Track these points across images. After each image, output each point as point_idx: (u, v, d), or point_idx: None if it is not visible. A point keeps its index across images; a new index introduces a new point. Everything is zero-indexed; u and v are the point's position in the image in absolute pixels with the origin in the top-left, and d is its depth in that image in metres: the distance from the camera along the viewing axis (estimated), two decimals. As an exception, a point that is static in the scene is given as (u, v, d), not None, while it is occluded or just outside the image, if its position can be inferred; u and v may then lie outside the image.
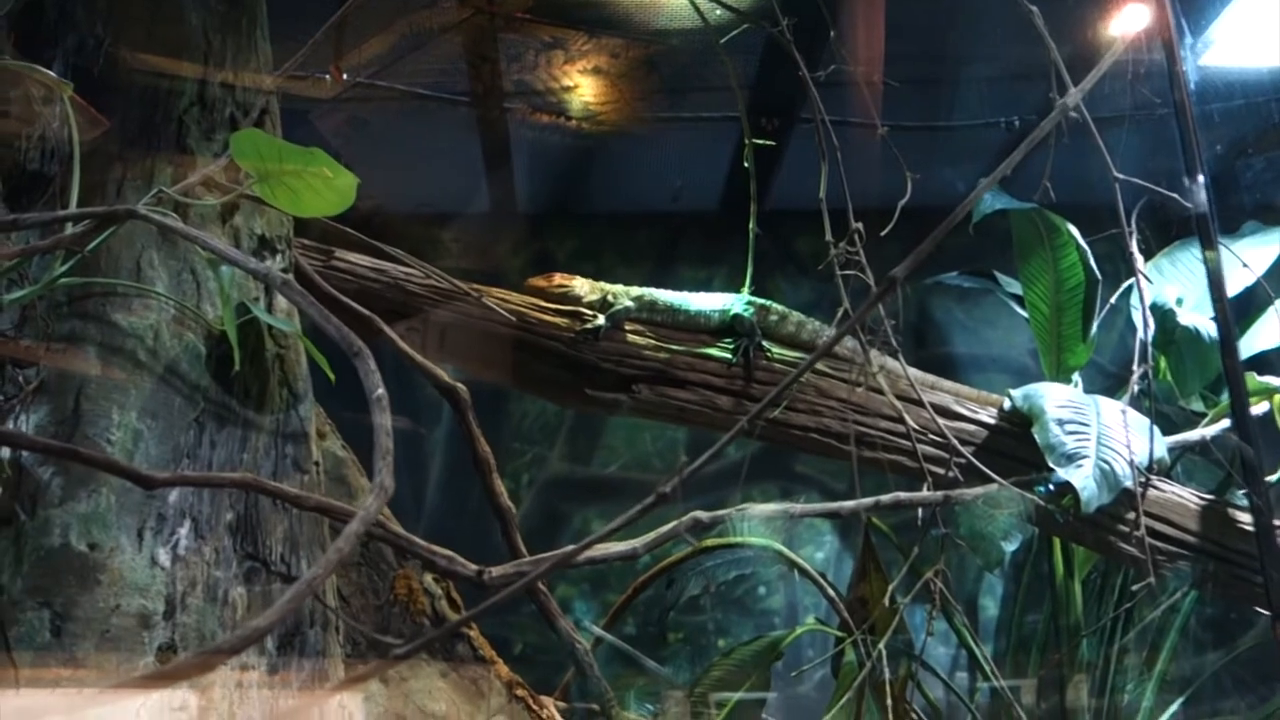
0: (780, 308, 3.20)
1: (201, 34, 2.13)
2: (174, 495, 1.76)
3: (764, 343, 3.08)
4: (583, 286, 3.09)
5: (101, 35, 2.07)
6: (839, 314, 2.71)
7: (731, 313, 3.11)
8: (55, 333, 1.83)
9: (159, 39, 2.10)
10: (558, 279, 3.10)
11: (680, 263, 4.57)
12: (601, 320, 3.00)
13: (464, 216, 4.55)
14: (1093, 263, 3.34)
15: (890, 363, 3.00)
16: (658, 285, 3.21)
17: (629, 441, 4.47)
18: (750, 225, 3.15)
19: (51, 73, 1.95)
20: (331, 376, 2.02)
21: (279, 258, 2.15)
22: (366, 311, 2.32)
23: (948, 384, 3.20)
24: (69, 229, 1.83)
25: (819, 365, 3.06)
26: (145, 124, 2.04)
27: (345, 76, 3.57)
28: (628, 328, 3.06)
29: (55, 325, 1.83)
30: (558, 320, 3.01)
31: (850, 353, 3.08)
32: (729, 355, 3.06)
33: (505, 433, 4.44)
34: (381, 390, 1.56)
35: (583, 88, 3.90)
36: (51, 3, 2.10)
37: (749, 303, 3.14)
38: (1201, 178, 2.66)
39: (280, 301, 2.10)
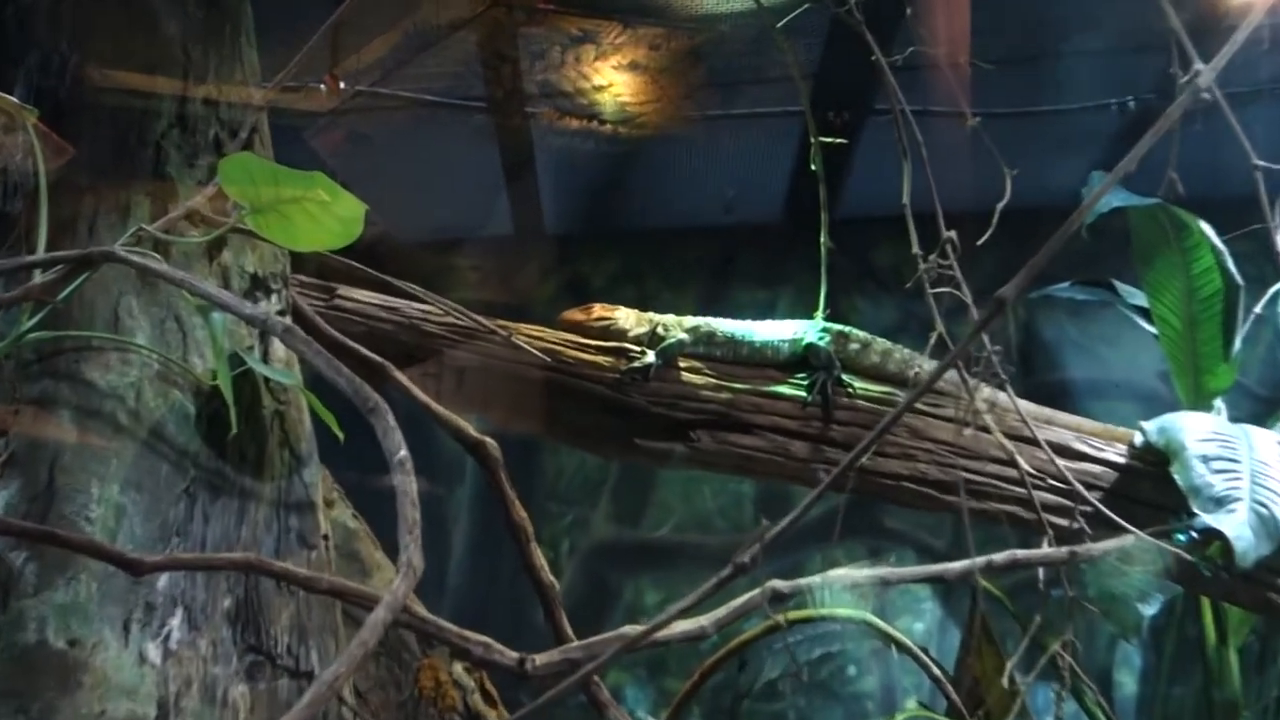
0: (861, 334, 3.18)
1: (179, 45, 2.17)
2: (164, 580, 1.77)
3: (844, 376, 3.07)
4: (627, 319, 3.11)
5: (67, 52, 2.12)
6: (931, 339, 2.69)
7: (804, 342, 3.10)
8: (24, 395, 1.85)
9: (131, 53, 2.14)
10: (597, 310, 3.12)
11: (738, 285, 4.59)
12: (651, 357, 3.00)
13: (484, 241, 4.59)
14: (1232, 266, 3.29)
15: (997, 396, 2.95)
16: (714, 313, 3.20)
17: (686, 498, 4.49)
18: (821, 237, 3.15)
19: (12, 98, 1.99)
20: (340, 434, 2.03)
21: (275, 299, 2.18)
22: (377, 357, 2.35)
23: (1066, 417, 3.17)
24: (37, 276, 1.87)
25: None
26: (118, 150, 2.08)
27: (344, 86, 3.63)
28: (681, 365, 3.06)
29: (24, 387, 1.86)
30: (599, 359, 3.02)
31: (947, 384, 3.06)
32: (803, 393, 3.06)
33: (540, 492, 4.46)
34: (404, 452, 1.57)
35: (617, 86, 3.93)
36: (10, 16, 2.15)
37: (824, 330, 3.13)
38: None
39: (278, 350, 2.12)
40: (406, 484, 1.51)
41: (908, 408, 1.68)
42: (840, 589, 3.08)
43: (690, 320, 3.14)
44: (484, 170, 4.35)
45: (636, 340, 3.08)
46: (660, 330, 3.08)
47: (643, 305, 3.26)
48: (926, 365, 3.17)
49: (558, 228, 4.67)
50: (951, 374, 2.97)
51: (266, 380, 2.05)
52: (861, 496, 3.19)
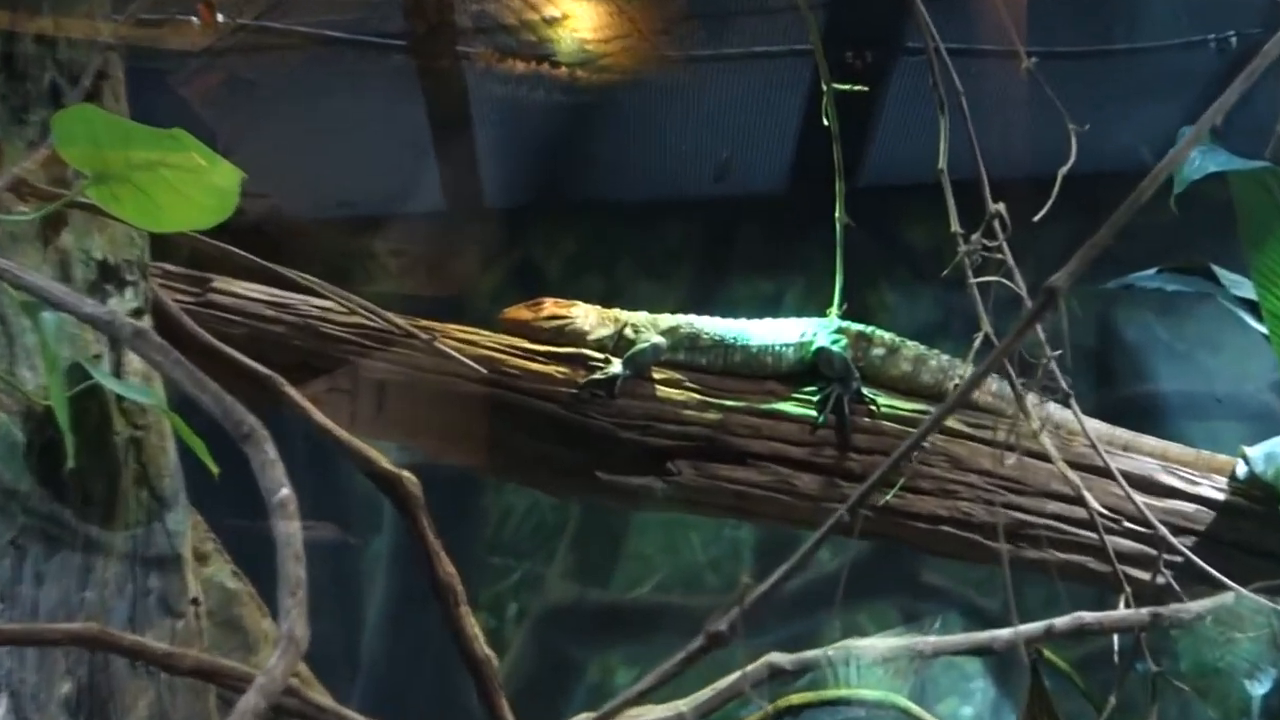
0: (887, 336, 3.20)
1: (3, -35, 2.16)
2: (-18, 659, 1.76)
3: (865, 390, 3.09)
4: (587, 317, 3.12)
5: None
6: (976, 341, 2.70)
7: (814, 347, 3.12)
8: None
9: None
10: (549, 307, 3.12)
11: (732, 274, 4.58)
12: (617, 367, 3.01)
13: (406, 219, 4.57)
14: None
15: (1059, 413, 2.97)
16: (700, 310, 3.22)
17: (667, 549, 4.47)
18: (836, 212, 3.15)
19: None
20: (214, 469, 2.02)
21: (130, 293, 2.17)
22: (262, 368, 2.33)
23: (1149, 442, 3.20)
24: None
25: (951, 422, 3.04)
26: (-76, 103, 2.08)
27: (221, 18, 3.61)
28: (656, 375, 3.07)
29: None
30: (550, 369, 3.03)
31: (997, 401, 3.10)
32: (813, 412, 3.07)
33: (480, 541, 4.43)
34: (286, 491, 1.56)
35: (575, 19, 3.92)
36: None
37: (839, 330, 3.14)
38: None
39: (135, 360, 2.11)
40: (289, 531, 1.50)
41: (935, 426, 1.69)
42: (865, 663, 3.08)
43: (668, 319, 3.15)
44: (405, 127, 4.34)
45: (599, 345, 3.08)
46: (630, 332, 3.09)
47: (609, 300, 3.27)
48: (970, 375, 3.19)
49: (501, 200, 4.67)
50: (1005, 388, 3.01)
51: (119, 399, 2.03)
52: (889, 545, 3.19)
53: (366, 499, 4.31)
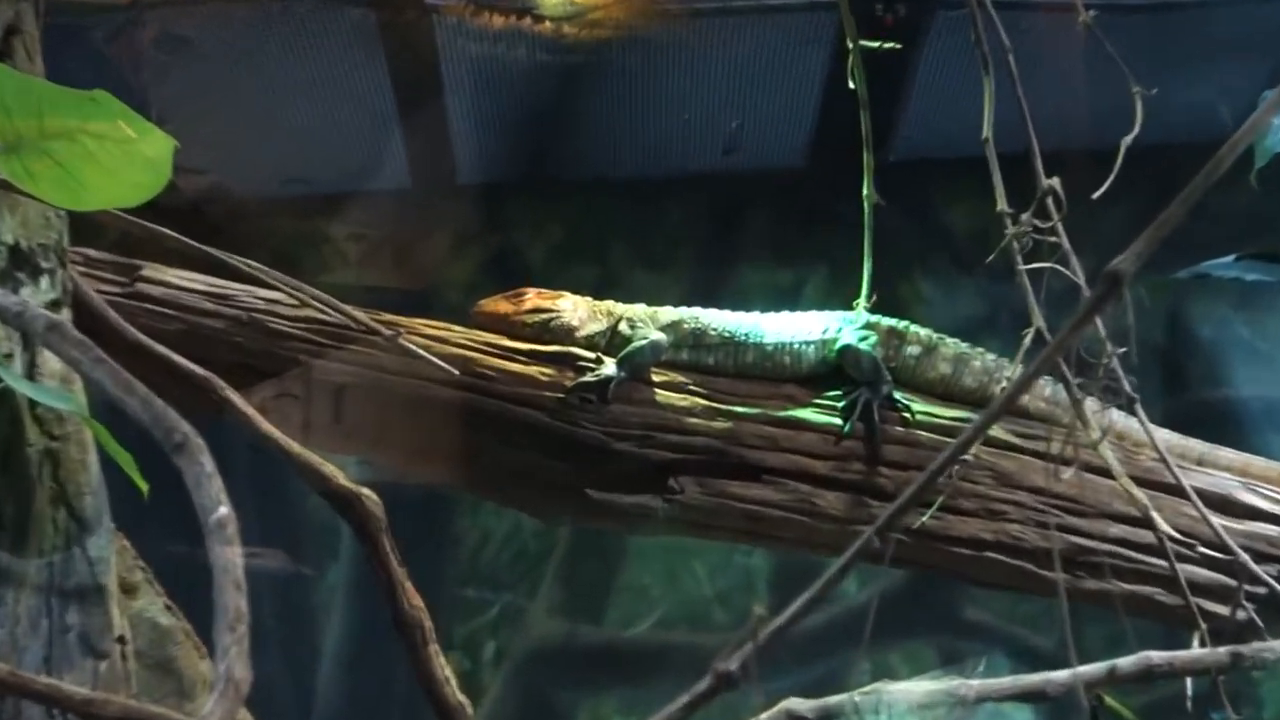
0: (924, 332, 3.22)
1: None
2: (-127, 706, 1.76)
3: (897, 395, 3.12)
4: (576, 311, 3.15)
5: None
6: (1026, 338, 2.70)
7: (839, 345, 3.14)
8: None
9: None
10: (532, 299, 3.15)
11: (746, 261, 4.58)
12: (610, 368, 3.04)
13: (367, 198, 4.58)
14: None
15: (1123, 422, 2.97)
16: (708, 302, 3.25)
17: (669, 578, 4.49)
18: (864, 189, 3.15)
19: None
20: (143, 486, 2.01)
21: (46, 282, 2.16)
22: (199, 369, 2.33)
23: (1228, 455, 3.20)
24: None
25: (998, 432, 3.05)
26: None
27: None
28: (656, 378, 3.10)
29: None
30: (534, 370, 3.05)
31: (1052, 407, 3.11)
32: (837, 420, 3.10)
33: (453, 570, 4.43)
34: (225, 510, 1.55)
35: (562, -35, 3.93)
36: None
37: (868, 326, 3.17)
38: None
39: (52, 360, 2.10)
40: (229, 557, 1.49)
41: (978, 436, 1.68)
42: (899, 711, 3.08)
43: (670, 313, 3.18)
44: (366, 92, 4.34)
45: (589, 343, 3.12)
46: (625, 328, 3.13)
47: (602, 291, 3.29)
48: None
49: (477, 177, 4.69)
50: (1061, 392, 3.01)
51: (33, 405, 2.03)
52: (927, 574, 3.20)
53: (321, 521, 4.32)
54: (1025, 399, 3.16)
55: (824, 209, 4.26)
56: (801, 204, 4.55)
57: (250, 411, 2.40)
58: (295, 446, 2.43)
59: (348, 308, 2.88)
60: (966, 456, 2.91)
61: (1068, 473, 2.56)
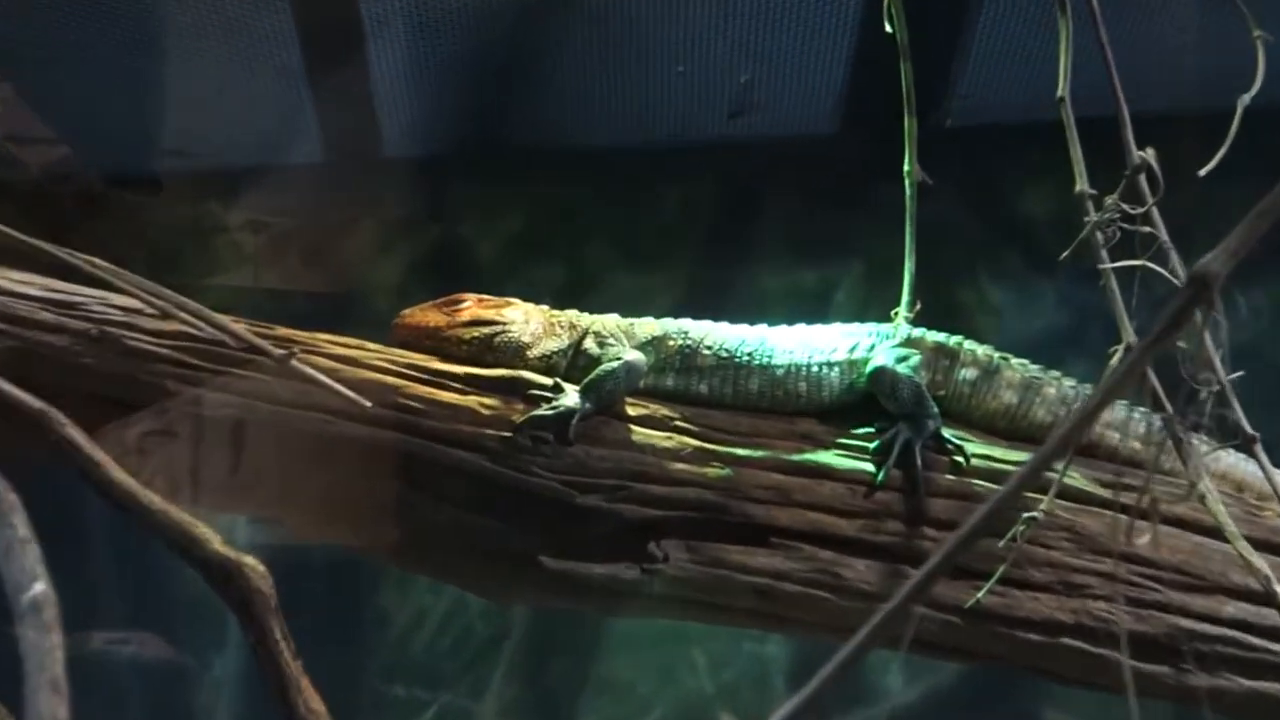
0: (983, 350, 3.24)
1: None
2: None
3: (947, 433, 3.12)
4: (529, 323, 3.17)
5: None
6: (1113, 357, 2.69)
7: (871, 367, 3.15)
8: None
9: None
10: (472, 308, 3.17)
11: (757, 257, 4.56)
12: (573, 398, 3.04)
13: (268, 175, 4.56)
14: None
15: (1242, 467, 3.02)
16: (703, 313, 3.26)
17: (660, 672, 4.46)
18: (906, 163, 3.19)
19: None
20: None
21: None
22: (32, 400, 2.32)
23: (1377, 508, 3.17)
24: None
25: (1079, 481, 3.07)
26: None
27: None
28: (632, 410, 3.10)
29: None
30: (473, 401, 3.05)
31: (1146, 449, 3.10)
32: (869, 466, 3.10)
33: (375, 660, 4.41)
34: (42, 587, 1.54)
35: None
36: None
37: (909, 342, 3.20)
38: None
39: None
40: (45, 647, 1.47)
41: (1029, 478, 1.65)
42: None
43: (650, 325, 3.20)
44: (267, 39, 4.33)
45: (546, 365, 3.15)
46: (592, 345, 3.15)
47: (571, 297, 3.31)
48: (1110, 408, 3.17)
49: (410, 149, 4.70)
50: (1145, 419, 3.00)
51: None
52: (991, 666, 3.19)
53: (207, 598, 4.29)
54: (1114, 438, 3.14)
55: (859, 190, 4.25)
56: (830, 184, 4.53)
57: (97, 455, 2.39)
58: (155, 500, 2.42)
59: (224, 319, 2.86)
60: (1036, 513, 2.89)
61: (1145, 535, 2.54)
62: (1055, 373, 3.25)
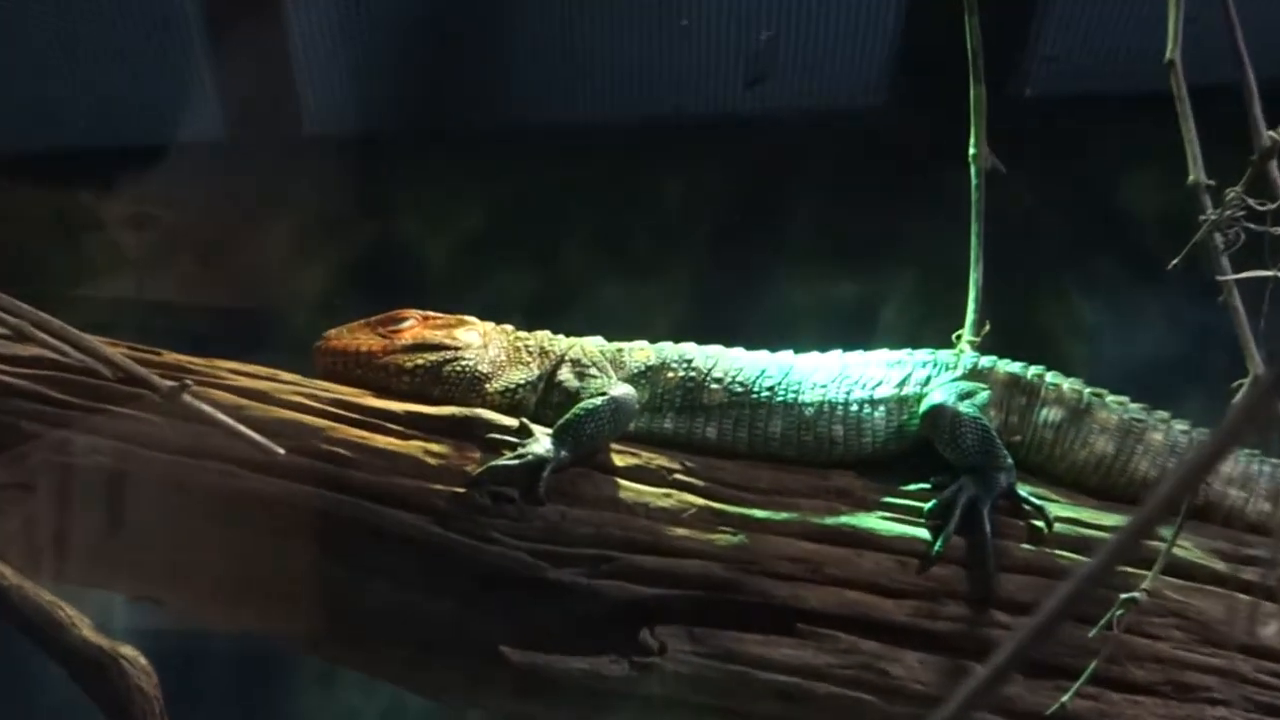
0: (1070, 384, 3.25)
1: None
2: None
3: (1023, 491, 3.11)
4: (488, 347, 3.18)
5: None
6: (1239, 392, 2.71)
7: (925, 405, 3.15)
8: None
9: None
10: (415, 328, 3.19)
11: (783, 264, 4.56)
12: (542, 444, 3.03)
13: (159, 158, 4.57)
14: None
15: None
16: (713, 335, 3.28)
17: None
18: (972, 144, 3.21)
19: None
20: None
21: None
22: None
23: None
24: None
25: (1192, 554, 3.07)
26: None
27: None
28: (620, 460, 3.10)
29: None
30: (417, 448, 3.05)
31: (1274, 509, 3.10)
32: (923, 532, 3.09)
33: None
34: None
35: None
36: None
37: (975, 374, 3.20)
38: None
39: None
40: None
41: (1124, 550, 1.65)
42: None
43: (645, 352, 3.21)
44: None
45: (509, 400, 3.16)
46: (569, 376, 3.15)
47: (545, 312, 3.27)
48: (1232, 461, 3.18)
49: (341, 125, 4.70)
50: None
51: None
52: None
53: (74, 703, 4.31)
54: (1236, 497, 3.15)
55: (912, 178, 4.26)
56: (876, 170, 4.54)
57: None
58: (6, 574, 2.44)
59: (96, 342, 2.87)
60: (1137, 594, 2.90)
61: (1275, 623, 2.56)
62: (1162, 413, 3.24)
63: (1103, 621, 2.87)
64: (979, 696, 1.55)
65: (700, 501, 3.08)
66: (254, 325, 3.60)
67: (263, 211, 4.67)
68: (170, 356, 3.01)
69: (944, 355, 3.22)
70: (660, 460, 3.12)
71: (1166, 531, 2.92)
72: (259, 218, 4.67)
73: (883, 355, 3.23)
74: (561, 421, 3.05)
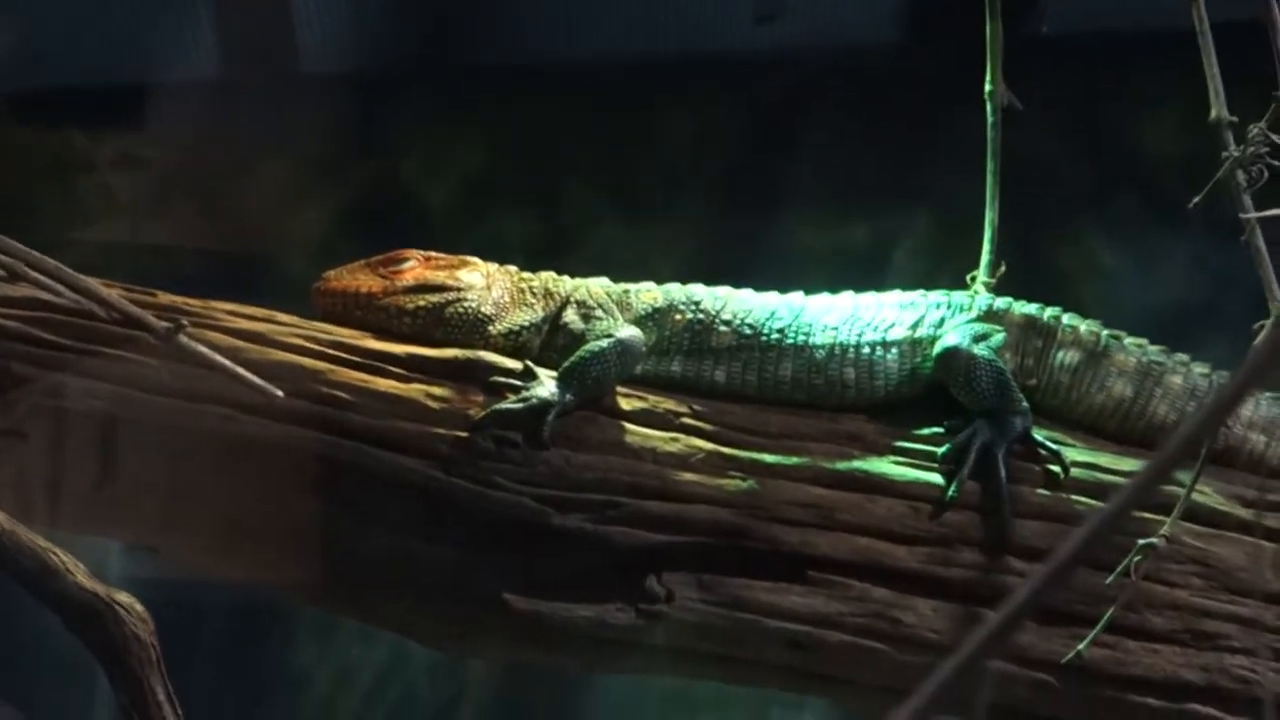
0: (1088, 326, 3.24)
1: None
2: None
3: (1039, 435, 3.11)
4: (491, 289, 3.17)
5: None
6: (1259, 335, 2.69)
7: (939, 347, 3.14)
8: None
9: None
10: (417, 269, 3.17)
11: (793, 206, 4.55)
12: (549, 386, 3.02)
13: (151, 97, 4.55)
14: None
15: None
16: (720, 276, 3.26)
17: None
18: (988, 82, 3.19)
19: None
20: None
21: None
22: None
23: None
24: None
25: (1211, 500, 3.06)
26: None
27: None
28: (626, 404, 3.10)
29: None
30: (418, 391, 3.04)
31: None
32: (936, 477, 3.10)
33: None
34: None
35: None
36: None
37: (990, 316, 3.19)
38: None
39: None
40: None
41: (1139, 496, 1.64)
42: None
43: (653, 294, 3.21)
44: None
45: (512, 342, 3.15)
46: (574, 318, 3.15)
47: (547, 255, 3.34)
48: (1254, 404, 3.17)
49: (337, 64, 4.69)
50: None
51: None
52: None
53: (69, 652, 4.30)
54: (1258, 441, 3.15)
55: (927, 118, 4.24)
56: (889, 109, 4.52)
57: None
58: (1, 520, 2.42)
59: (91, 282, 2.85)
60: (1155, 540, 2.89)
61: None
62: (1182, 356, 3.23)
63: (1120, 568, 2.87)
64: (991, 644, 1.53)
65: (709, 446, 3.08)
66: (250, 269, 3.59)
67: (259, 152, 4.65)
68: (165, 298, 2.99)
69: (958, 297, 3.21)
70: (668, 404, 3.11)
71: (1185, 477, 2.92)
72: (255, 159, 4.65)
73: (896, 297, 3.22)
74: (566, 364, 3.04)
